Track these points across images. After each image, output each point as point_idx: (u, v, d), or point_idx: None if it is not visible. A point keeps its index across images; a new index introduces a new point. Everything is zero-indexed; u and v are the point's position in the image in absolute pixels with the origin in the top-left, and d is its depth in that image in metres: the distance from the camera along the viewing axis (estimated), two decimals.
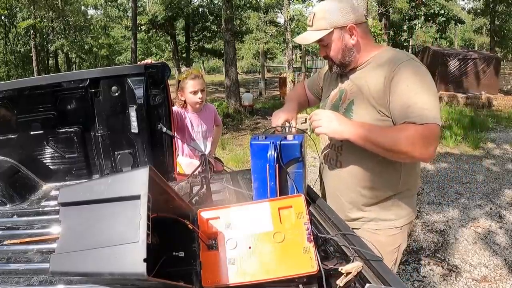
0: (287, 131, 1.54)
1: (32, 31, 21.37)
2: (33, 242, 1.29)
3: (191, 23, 24.10)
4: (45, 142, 1.92)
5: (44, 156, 1.95)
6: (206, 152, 2.57)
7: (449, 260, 3.14)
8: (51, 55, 28.49)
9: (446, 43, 28.13)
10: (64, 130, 1.92)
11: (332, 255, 1.08)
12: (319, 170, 1.75)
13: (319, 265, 0.96)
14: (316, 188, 1.59)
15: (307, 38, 1.49)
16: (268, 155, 1.19)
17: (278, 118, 1.60)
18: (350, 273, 0.94)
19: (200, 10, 23.52)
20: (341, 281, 0.93)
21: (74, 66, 30.79)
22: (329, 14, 1.42)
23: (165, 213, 0.93)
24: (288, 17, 11.80)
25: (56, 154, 1.95)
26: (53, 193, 1.85)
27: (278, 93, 15.93)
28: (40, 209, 1.62)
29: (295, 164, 1.24)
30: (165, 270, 0.89)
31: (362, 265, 0.96)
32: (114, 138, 1.96)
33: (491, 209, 4.11)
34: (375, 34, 9.05)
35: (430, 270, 3.01)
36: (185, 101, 2.53)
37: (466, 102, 11.22)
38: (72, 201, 0.79)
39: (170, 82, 1.97)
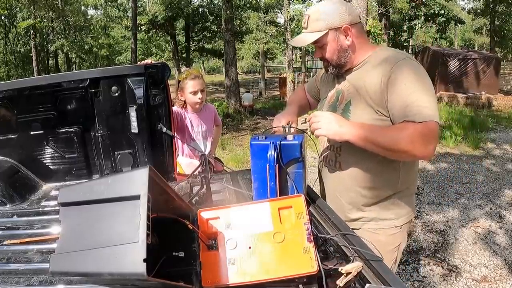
0: (287, 131, 1.54)
1: (32, 31, 21.38)
2: (33, 242, 1.29)
3: (191, 23, 24.11)
4: (45, 142, 1.92)
5: (44, 156, 1.95)
6: (206, 152, 2.57)
7: (449, 260, 3.14)
8: (51, 55, 28.49)
9: (446, 43, 28.15)
10: (64, 130, 1.92)
11: (332, 255, 1.08)
12: (318, 171, 1.75)
13: (319, 265, 0.96)
14: (316, 189, 1.59)
15: (302, 40, 1.49)
16: (268, 155, 1.19)
17: (279, 122, 1.60)
18: (350, 273, 0.94)
19: (200, 10, 23.54)
20: (341, 281, 0.93)
21: (74, 66, 30.79)
22: (323, 15, 1.42)
23: (165, 213, 0.93)
24: (288, 17, 11.80)
25: (56, 154, 1.95)
26: (53, 193, 1.85)
27: (278, 93, 15.94)
28: (40, 209, 1.62)
29: (295, 164, 1.24)
30: (165, 270, 0.89)
31: (362, 265, 0.96)
32: (114, 138, 1.96)
33: (491, 209, 4.11)
34: (375, 34, 9.05)
35: (430, 270, 3.00)
36: (185, 101, 2.53)
37: (466, 102, 11.23)
38: (72, 201, 0.79)
39: (170, 82, 1.97)
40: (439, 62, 12.33)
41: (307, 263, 0.97)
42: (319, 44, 1.47)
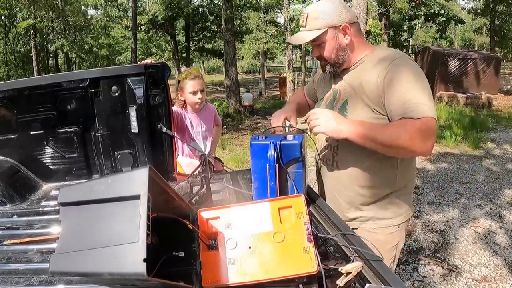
0: (287, 131, 1.54)
1: (32, 31, 21.38)
2: (33, 242, 1.29)
3: (191, 23, 24.11)
4: (45, 142, 1.92)
5: (44, 156, 1.95)
6: (206, 152, 2.57)
7: (449, 260, 3.14)
8: (51, 55, 28.50)
9: (446, 43, 28.14)
10: (64, 130, 1.92)
11: (332, 255, 1.08)
12: (316, 171, 1.75)
13: (319, 265, 0.96)
14: (315, 189, 1.59)
15: (301, 38, 1.49)
16: (268, 155, 1.20)
17: (278, 118, 1.61)
18: (350, 273, 0.94)
19: (200, 10, 23.54)
20: (341, 281, 0.93)
21: (74, 66, 30.79)
22: (323, 14, 1.42)
23: (165, 213, 0.93)
24: (288, 17, 11.80)
25: (56, 154, 1.95)
26: (53, 193, 1.85)
27: (278, 93, 15.94)
28: (40, 209, 1.62)
29: (295, 164, 1.24)
30: (165, 270, 0.89)
31: (362, 265, 0.96)
32: (114, 138, 1.96)
33: (491, 209, 4.11)
34: (375, 34, 9.05)
35: (430, 270, 3.01)
36: (184, 101, 2.53)
37: (466, 102, 11.23)
38: (72, 201, 0.79)
39: (170, 82, 1.97)
40: (439, 62, 12.33)
41: (307, 263, 0.97)
42: (318, 42, 1.47)
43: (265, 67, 19.87)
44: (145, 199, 0.74)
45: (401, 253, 3.24)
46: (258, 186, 1.27)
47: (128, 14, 25.27)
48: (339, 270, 0.94)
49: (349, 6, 1.81)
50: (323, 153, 1.61)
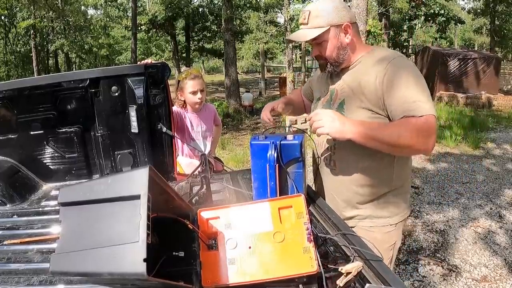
0: (287, 130, 1.54)
1: (32, 31, 21.38)
2: (33, 242, 1.29)
3: (191, 23, 24.11)
4: (45, 142, 1.92)
5: (44, 156, 1.95)
6: (206, 152, 2.57)
7: (449, 260, 3.14)
8: (51, 55, 28.49)
9: (446, 43, 28.14)
10: (64, 130, 1.92)
11: (332, 255, 1.08)
12: (313, 170, 1.75)
13: (319, 265, 0.96)
14: (312, 188, 1.59)
15: (304, 35, 1.46)
16: (268, 155, 1.20)
17: (267, 109, 1.69)
18: (350, 273, 0.94)
19: (200, 10, 23.54)
20: (341, 281, 0.93)
21: (74, 66, 30.79)
22: (325, 12, 1.42)
23: (165, 213, 0.93)
24: (288, 17, 11.81)
25: (56, 154, 1.95)
26: (53, 193, 1.85)
27: (278, 93, 15.94)
28: (40, 209, 1.62)
29: (295, 164, 1.24)
30: (165, 270, 0.89)
31: (362, 265, 0.97)
32: (114, 138, 1.96)
33: (491, 209, 4.11)
34: (375, 34, 9.05)
35: (430, 270, 3.01)
36: (184, 101, 2.52)
37: (466, 102, 11.22)
38: (72, 201, 0.79)
39: (170, 82, 1.97)
40: (439, 62, 12.32)
41: (307, 263, 0.97)
42: (319, 41, 1.46)
43: (265, 67, 19.87)
44: (145, 199, 0.75)
45: (401, 253, 3.24)
46: (258, 186, 1.27)
47: (128, 14, 25.28)
48: (339, 270, 0.94)
49: (349, 6, 1.81)
50: (320, 152, 1.61)
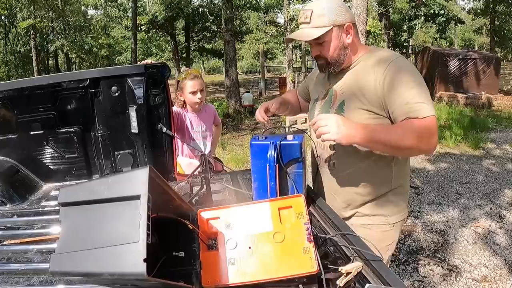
0: (287, 131, 1.54)
1: (32, 31, 21.38)
2: (33, 242, 1.29)
3: (191, 23, 24.09)
4: (45, 142, 1.92)
5: (44, 156, 1.95)
6: (206, 152, 2.57)
7: (449, 260, 3.14)
8: (51, 55, 28.51)
9: (446, 43, 28.15)
10: (64, 130, 1.92)
11: (332, 255, 1.08)
12: (313, 171, 1.74)
13: (319, 265, 0.96)
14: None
15: (306, 34, 1.43)
16: (268, 155, 1.20)
17: (262, 109, 1.71)
18: (350, 273, 0.94)
19: (200, 10, 23.51)
20: (341, 281, 0.93)
21: (74, 66, 30.80)
22: (328, 11, 1.41)
23: (165, 213, 0.93)
24: (288, 17, 11.81)
25: (56, 154, 1.95)
26: (53, 193, 1.85)
27: (278, 93, 15.94)
28: (40, 209, 1.62)
29: (295, 164, 1.24)
30: (165, 270, 0.89)
31: (362, 265, 0.97)
32: (114, 138, 1.96)
33: (491, 209, 4.11)
34: (375, 34, 9.05)
35: (430, 270, 3.00)
36: (184, 101, 2.53)
37: (466, 102, 11.22)
38: (72, 201, 0.79)
39: (170, 82, 1.97)
40: (439, 62, 12.31)
41: (307, 263, 0.97)
42: (320, 41, 1.44)
43: (265, 67, 19.86)
44: (145, 199, 0.75)
45: (401, 253, 3.24)
46: (258, 186, 1.27)
47: (128, 14, 25.28)
48: (339, 270, 0.94)
49: (348, 6, 1.81)
50: (319, 153, 1.61)
